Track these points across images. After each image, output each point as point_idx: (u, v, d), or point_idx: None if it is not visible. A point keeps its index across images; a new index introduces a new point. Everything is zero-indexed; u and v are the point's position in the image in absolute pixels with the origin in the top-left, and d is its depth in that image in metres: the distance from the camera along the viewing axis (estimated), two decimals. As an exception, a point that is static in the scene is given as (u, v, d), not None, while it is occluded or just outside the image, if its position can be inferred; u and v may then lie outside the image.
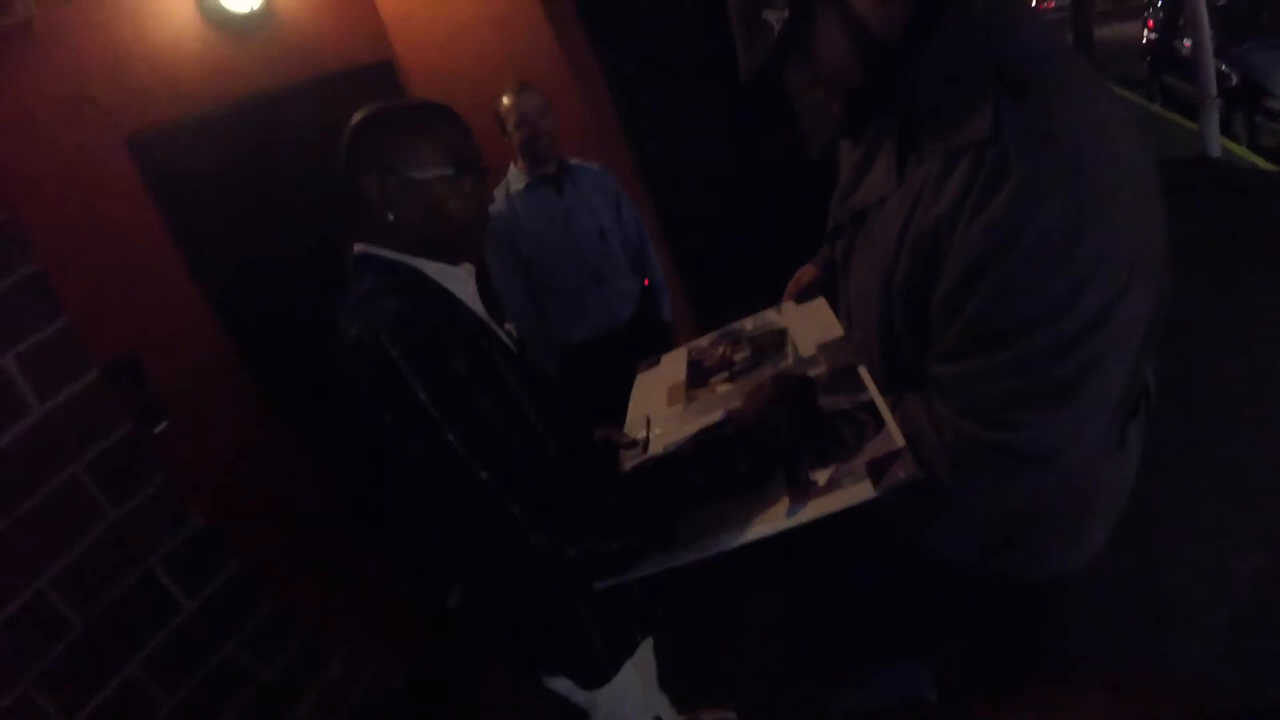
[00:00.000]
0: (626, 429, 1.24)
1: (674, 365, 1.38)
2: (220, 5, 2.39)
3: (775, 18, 0.83)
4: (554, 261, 2.37)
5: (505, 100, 2.28)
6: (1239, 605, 1.96)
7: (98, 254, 2.04)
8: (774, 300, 1.44)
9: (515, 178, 2.37)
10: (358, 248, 1.07)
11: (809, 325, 1.27)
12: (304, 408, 2.38)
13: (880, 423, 0.93)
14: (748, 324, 1.40)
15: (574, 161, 2.46)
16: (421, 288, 1.03)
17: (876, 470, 0.87)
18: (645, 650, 1.22)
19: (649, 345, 1.59)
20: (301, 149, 2.49)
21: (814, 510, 0.88)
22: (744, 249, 3.19)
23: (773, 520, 0.89)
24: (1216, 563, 2.11)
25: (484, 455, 0.90)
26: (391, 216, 1.03)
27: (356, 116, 1.06)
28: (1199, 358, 2.94)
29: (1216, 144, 5.85)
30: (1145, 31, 9.52)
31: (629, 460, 1.13)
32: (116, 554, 1.35)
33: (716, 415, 1.11)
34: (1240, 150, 6.04)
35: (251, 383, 2.32)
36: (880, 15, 0.82)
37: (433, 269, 1.06)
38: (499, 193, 2.36)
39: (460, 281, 1.09)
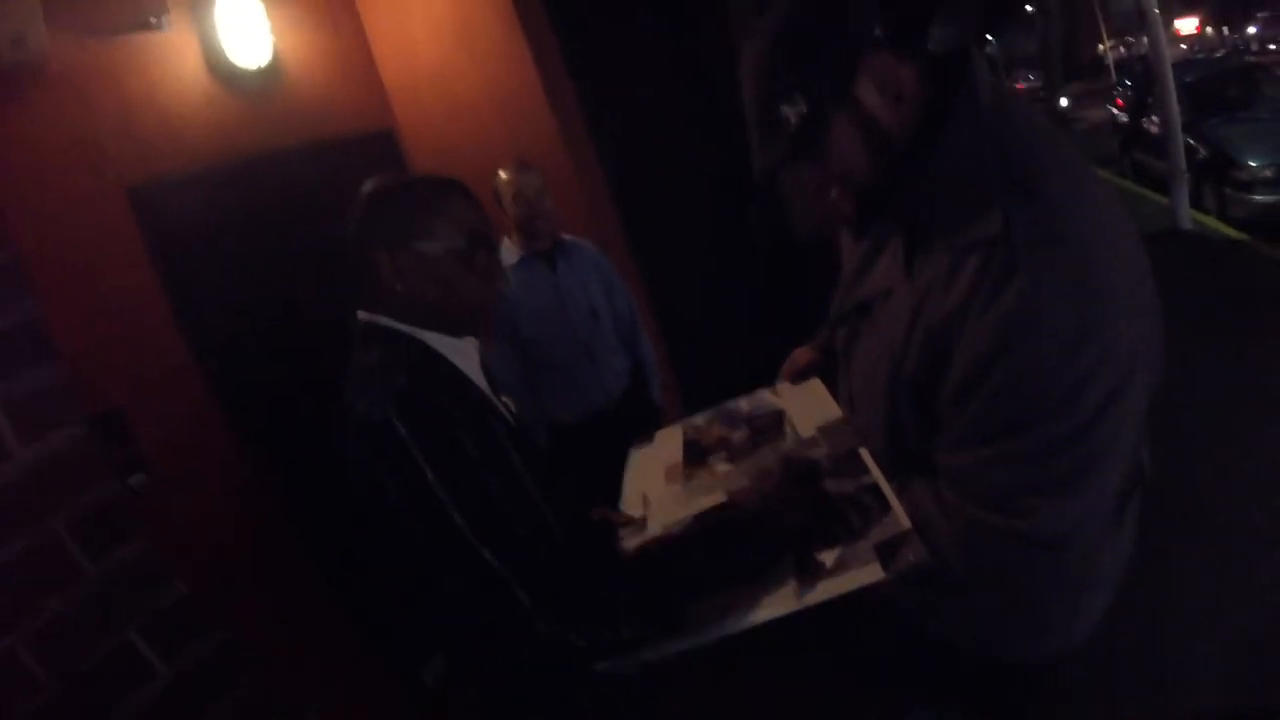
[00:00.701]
0: (623, 506, 1.23)
1: (669, 443, 1.38)
2: (228, 61, 2.43)
3: (793, 114, 0.86)
4: (547, 338, 2.38)
5: (504, 176, 2.32)
6: (1235, 665, 1.96)
7: (89, 301, 2.02)
8: (764, 380, 1.45)
9: (509, 253, 2.39)
10: (364, 317, 1.06)
11: (807, 407, 1.28)
12: (291, 472, 2.34)
13: (885, 505, 0.94)
14: (744, 404, 1.41)
15: (568, 238, 2.49)
16: (428, 362, 1.02)
17: (885, 553, 0.88)
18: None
19: (639, 425, 1.59)
20: (299, 211, 2.50)
21: (823, 593, 0.88)
22: (735, 329, 3.27)
23: (782, 603, 0.89)
24: (1208, 624, 2.12)
25: (491, 539, 0.89)
26: (401, 289, 1.02)
27: (368, 186, 1.06)
28: (1175, 425, 2.99)
29: (1187, 217, 6.06)
30: (1115, 111, 9.93)
31: (629, 539, 1.12)
32: (95, 615, 1.29)
33: (716, 495, 1.11)
34: (1211, 222, 6.25)
35: (237, 445, 2.27)
36: (892, 114, 0.86)
37: (439, 341, 1.05)
38: None
39: (466, 356, 1.09)
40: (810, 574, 0.91)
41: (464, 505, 0.89)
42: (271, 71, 2.55)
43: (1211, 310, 4.21)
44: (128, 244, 2.13)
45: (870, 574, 0.87)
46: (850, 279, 1.06)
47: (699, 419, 1.42)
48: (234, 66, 2.45)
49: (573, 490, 1.21)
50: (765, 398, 1.40)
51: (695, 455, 1.30)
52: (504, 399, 1.15)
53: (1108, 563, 1.03)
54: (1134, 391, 0.80)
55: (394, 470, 0.89)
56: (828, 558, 0.92)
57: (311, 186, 2.51)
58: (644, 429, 1.49)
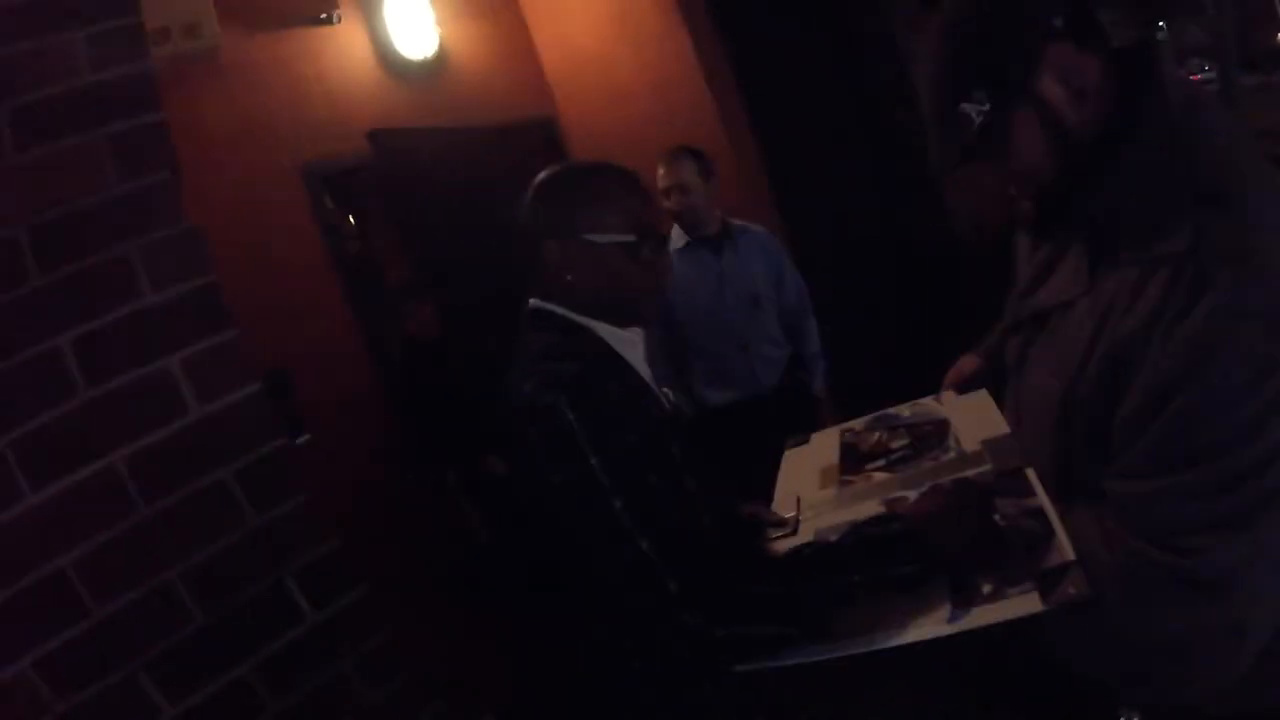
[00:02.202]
0: (775, 506, 1.21)
1: (825, 446, 1.35)
2: (395, 50, 2.59)
3: (974, 111, 0.84)
4: (701, 323, 2.36)
5: (660, 168, 2.31)
6: None
7: (261, 271, 2.20)
8: (922, 385, 1.39)
9: (676, 236, 2.37)
10: (533, 302, 1.08)
11: (972, 419, 1.22)
12: (442, 440, 2.45)
13: (1049, 531, 0.90)
14: (905, 411, 1.36)
15: (739, 224, 2.44)
16: (598, 351, 1.03)
17: (1046, 583, 0.84)
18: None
19: (793, 417, 1.53)
20: (464, 195, 2.60)
21: (976, 619, 0.85)
22: (894, 328, 3.14)
23: (932, 625, 0.86)
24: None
25: (648, 527, 0.89)
26: (572, 278, 1.03)
27: (542, 175, 1.08)
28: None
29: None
30: None
31: (779, 540, 1.12)
32: (251, 559, 1.40)
33: (872, 504, 1.09)
34: None
35: (393, 413, 2.42)
36: (1078, 113, 0.83)
37: (607, 332, 1.06)
38: None
39: (631, 345, 1.09)
40: (965, 598, 0.88)
41: (623, 492, 0.90)
42: (437, 62, 2.70)
43: None
44: (299, 219, 2.30)
45: (1028, 605, 0.83)
46: (1027, 286, 1.01)
47: (858, 423, 1.38)
48: (401, 57, 2.60)
49: (722, 481, 1.20)
50: (928, 406, 1.35)
51: (852, 461, 1.26)
52: (664, 389, 1.16)
53: (1268, 608, 0.93)
54: None
55: (557, 454, 0.91)
56: (984, 582, 0.89)
57: (476, 170, 2.61)
58: (798, 421, 1.45)
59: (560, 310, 1.05)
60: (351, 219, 3.19)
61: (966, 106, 0.84)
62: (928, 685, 1.93)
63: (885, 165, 2.88)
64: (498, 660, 2.56)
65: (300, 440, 2.06)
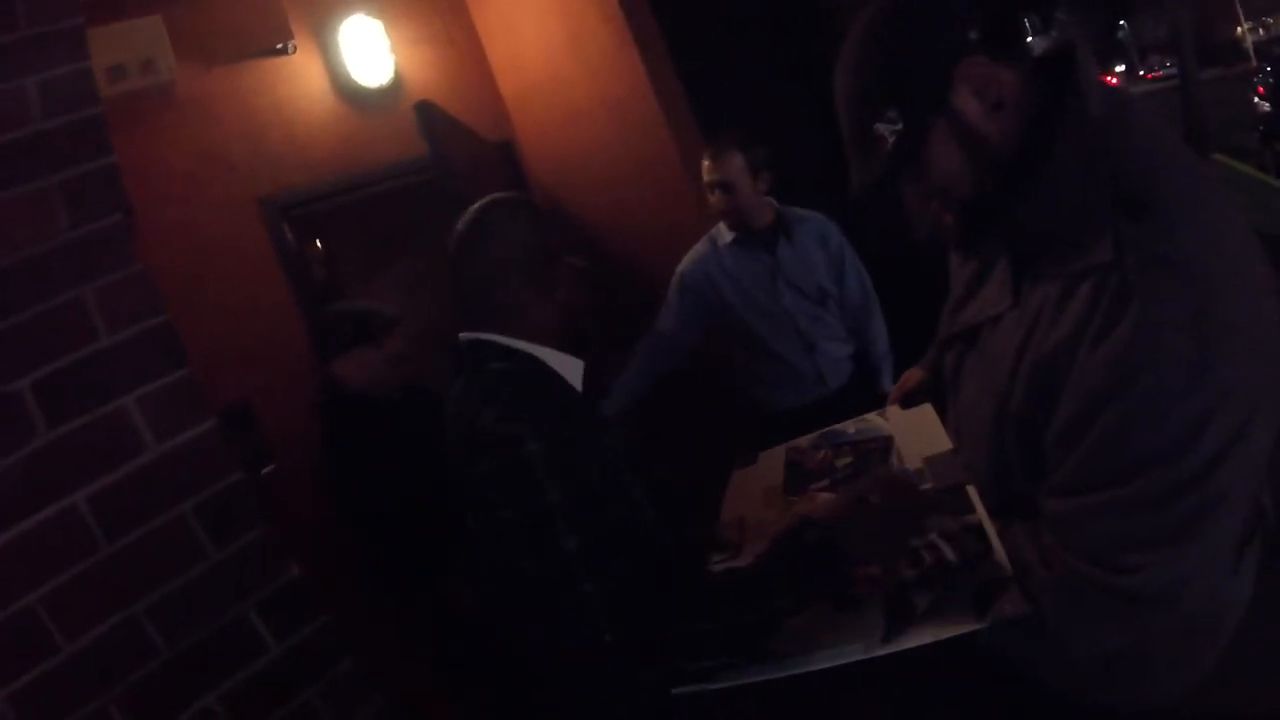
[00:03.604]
0: (720, 528, 1.20)
1: (771, 465, 1.34)
2: (352, 79, 2.59)
3: (887, 130, 0.83)
4: (761, 324, 2.15)
5: (705, 160, 2.09)
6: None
7: (223, 303, 2.21)
8: (873, 393, 1.39)
9: (722, 231, 2.16)
10: (470, 335, 1.05)
11: (915, 434, 1.22)
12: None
13: (987, 548, 0.89)
14: (850, 428, 1.35)
15: (794, 213, 2.20)
16: (551, 379, 1.02)
17: (982, 600, 0.84)
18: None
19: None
20: (423, 221, 2.59)
21: (913, 638, 0.84)
22: None
23: (868, 644, 0.86)
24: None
25: (596, 568, 0.87)
26: (561, 300, 1.03)
27: (493, 206, 1.05)
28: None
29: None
30: (1255, 99, 9.05)
31: (720, 564, 1.10)
32: (213, 593, 1.40)
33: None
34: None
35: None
36: (995, 126, 0.81)
37: (550, 357, 1.04)
38: (704, 239, 2.21)
39: (575, 373, 1.07)
40: (901, 617, 0.87)
41: (577, 533, 0.87)
42: (394, 89, 2.70)
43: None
44: (258, 249, 2.31)
45: (963, 624, 0.82)
46: (956, 301, 1.00)
47: (803, 441, 1.37)
48: (358, 85, 2.61)
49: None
50: (873, 422, 1.34)
51: (796, 480, 1.26)
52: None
53: (1221, 613, 0.94)
54: (1256, 432, 0.72)
55: (512, 487, 0.88)
56: (921, 600, 0.88)
57: (434, 199, 2.61)
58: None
59: (514, 342, 1.02)
60: (319, 243, 3.21)
61: (880, 126, 0.83)
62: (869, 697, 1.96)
63: (841, 175, 2.93)
64: (472, 691, 2.56)
65: (266, 471, 2.06)
